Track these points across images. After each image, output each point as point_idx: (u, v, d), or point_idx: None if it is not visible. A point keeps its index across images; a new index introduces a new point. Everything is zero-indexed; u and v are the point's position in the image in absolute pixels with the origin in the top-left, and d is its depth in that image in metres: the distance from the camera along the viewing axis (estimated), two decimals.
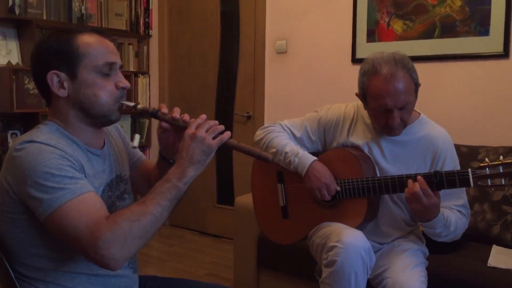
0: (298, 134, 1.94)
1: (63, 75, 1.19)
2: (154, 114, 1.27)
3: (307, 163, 1.81)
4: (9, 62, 3.22)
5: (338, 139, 1.87)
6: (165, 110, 1.28)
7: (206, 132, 1.17)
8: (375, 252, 1.79)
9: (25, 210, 1.14)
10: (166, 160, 1.39)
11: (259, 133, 2.01)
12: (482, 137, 2.55)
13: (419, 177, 1.55)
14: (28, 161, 1.09)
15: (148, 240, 1.13)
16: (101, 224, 1.06)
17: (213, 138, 1.17)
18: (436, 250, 1.95)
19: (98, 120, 1.25)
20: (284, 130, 1.97)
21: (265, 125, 2.04)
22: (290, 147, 1.87)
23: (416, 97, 1.68)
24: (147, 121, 4.10)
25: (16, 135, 3.27)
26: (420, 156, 1.76)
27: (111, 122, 1.28)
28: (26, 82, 3.18)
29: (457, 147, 2.32)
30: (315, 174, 1.79)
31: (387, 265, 1.69)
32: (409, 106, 1.65)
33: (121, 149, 1.44)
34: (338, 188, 1.79)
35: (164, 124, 1.29)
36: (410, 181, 1.57)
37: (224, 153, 3.77)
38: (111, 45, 1.25)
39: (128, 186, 1.42)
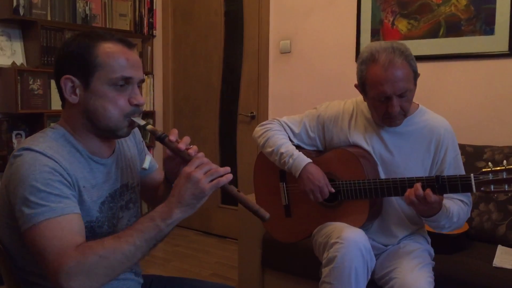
0: (297, 131, 1.94)
1: (77, 81, 1.17)
2: (161, 139, 1.22)
3: (301, 165, 1.81)
4: (13, 62, 3.23)
5: (339, 135, 1.86)
6: (172, 137, 1.22)
7: (205, 174, 1.10)
8: (379, 254, 1.79)
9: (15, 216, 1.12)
10: (170, 183, 1.35)
11: (257, 130, 2.02)
12: (487, 136, 2.54)
13: (416, 185, 1.54)
14: (21, 172, 1.07)
15: (114, 277, 1.08)
16: (68, 253, 1.03)
17: (211, 181, 1.10)
18: (441, 250, 1.95)
19: (105, 133, 1.22)
20: (283, 127, 1.97)
21: (264, 122, 2.03)
22: (286, 147, 1.87)
23: (415, 85, 1.68)
24: (151, 121, 4.10)
25: (21, 135, 3.28)
26: (423, 145, 1.75)
27: (118, 137, 1.25)
28: (30, 82, 3.19)
29: (462, 147, 2.32)
30: (308, 176, 1.79)
31: (394, 265, 1.68)
32: (408, 94, 1.64)
33: (134, 155, 1.42)
34: (332, 190, 1.79)
35: (168, 152, 1.25)
36: (408, 190, 1.56)
37: (227, 153, 3.77)
38: (133, 58, 1.20)
39: (135, 195, 1.39)
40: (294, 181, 1.94)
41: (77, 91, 1.17)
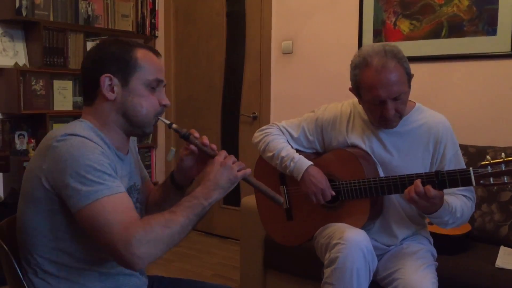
0: (295, 135, 1.95)
1: (116, 80, 1.25)
2: (186, 136, 1.34)
3: (303, 168, 1.82)
4: (16, 63, 3.24)
5: (337, 138, 1.87)
6: (196, 134, 1.36)
7: (233, 163, 1.27)
8: (382, 255, 1.79)
9: (51, 201, 1.16)
10: (175, 184, 1.43)
11: (256, 135, 2.02)
12: (490, 137, 2.54)
13: (416, 181, 1.54)
14: (71, 152, 1.12)
15: (171, 248, 1.17)
16: (136, 223, 1.10)
17: (238, 171, 1.27)
18: (444, 251, 1.94)
19: (135, 128, 1.31)
20: (282, 131, 1.97)
21: (263, 127, 2.04)
22: (287, 151, 1.88)
23: (409, 87, 1.67)
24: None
25: (24, 136, 3.29)
26: (422, 144, 1.75)
27: (144, 134, 1.34)
28: (33, 83, 3.20)
29: (465, 148, 2.32)
30: (310, 179, 1.80)
31: (397, 266, 1.68)
32: (403, 96, 1.64)
33: (136, 160, 1.49)
34: (333, 193, 1.80)
35: (193, 147, 1.35)
36: (408, 187, 1.56)
37: (229, 153, 3.76)
38: (162, 64, 1.35)
39: (140, 197, 1.44)
40: (294, 184, 1.94)
41: (115, 88, 1.26)
